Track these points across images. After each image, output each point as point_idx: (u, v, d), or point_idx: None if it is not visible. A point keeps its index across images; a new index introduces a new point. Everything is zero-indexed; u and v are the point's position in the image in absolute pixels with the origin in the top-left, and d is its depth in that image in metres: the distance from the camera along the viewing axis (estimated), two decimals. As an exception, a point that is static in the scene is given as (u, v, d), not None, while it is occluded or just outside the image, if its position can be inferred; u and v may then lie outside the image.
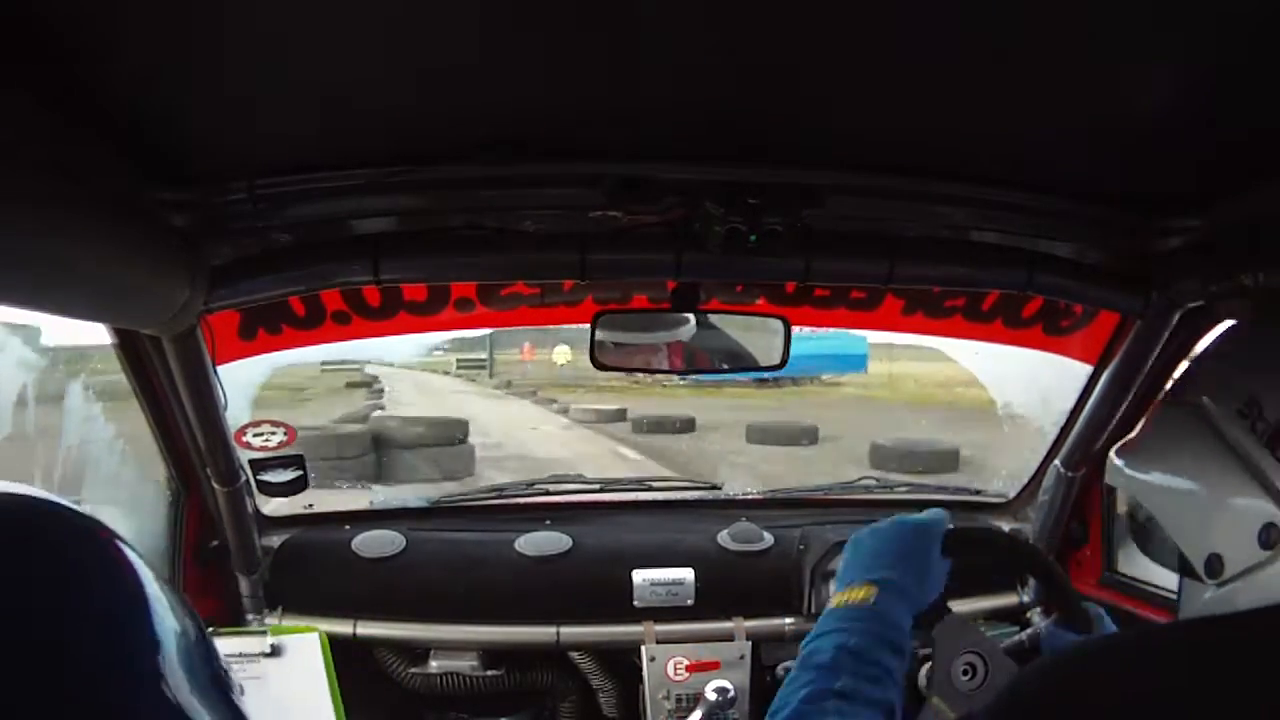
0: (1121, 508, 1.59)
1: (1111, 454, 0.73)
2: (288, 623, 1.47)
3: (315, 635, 1.24)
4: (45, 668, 0.31)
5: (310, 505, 1.69)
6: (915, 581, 0.84)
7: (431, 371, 18.71)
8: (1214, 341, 0.71)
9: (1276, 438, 0.56)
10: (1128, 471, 0.68)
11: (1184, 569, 0.62)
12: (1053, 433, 1.63)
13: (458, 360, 18.96)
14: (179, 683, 0.35)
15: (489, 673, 1.55)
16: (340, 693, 1.24)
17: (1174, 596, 1.41)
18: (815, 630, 0.80)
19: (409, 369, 17.69)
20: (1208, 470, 0.60)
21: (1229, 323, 1.28)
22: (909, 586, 0.83)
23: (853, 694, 0.72)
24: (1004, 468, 2.12)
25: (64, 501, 0.38)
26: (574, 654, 1.59)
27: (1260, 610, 0.57)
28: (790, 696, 0.73)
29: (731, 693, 1.37)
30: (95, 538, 0.37)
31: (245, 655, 1.29)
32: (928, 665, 1.18)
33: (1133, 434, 0.72)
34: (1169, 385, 0.70)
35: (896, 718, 0.74)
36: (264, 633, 1.30)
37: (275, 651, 1.28)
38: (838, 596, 0.83)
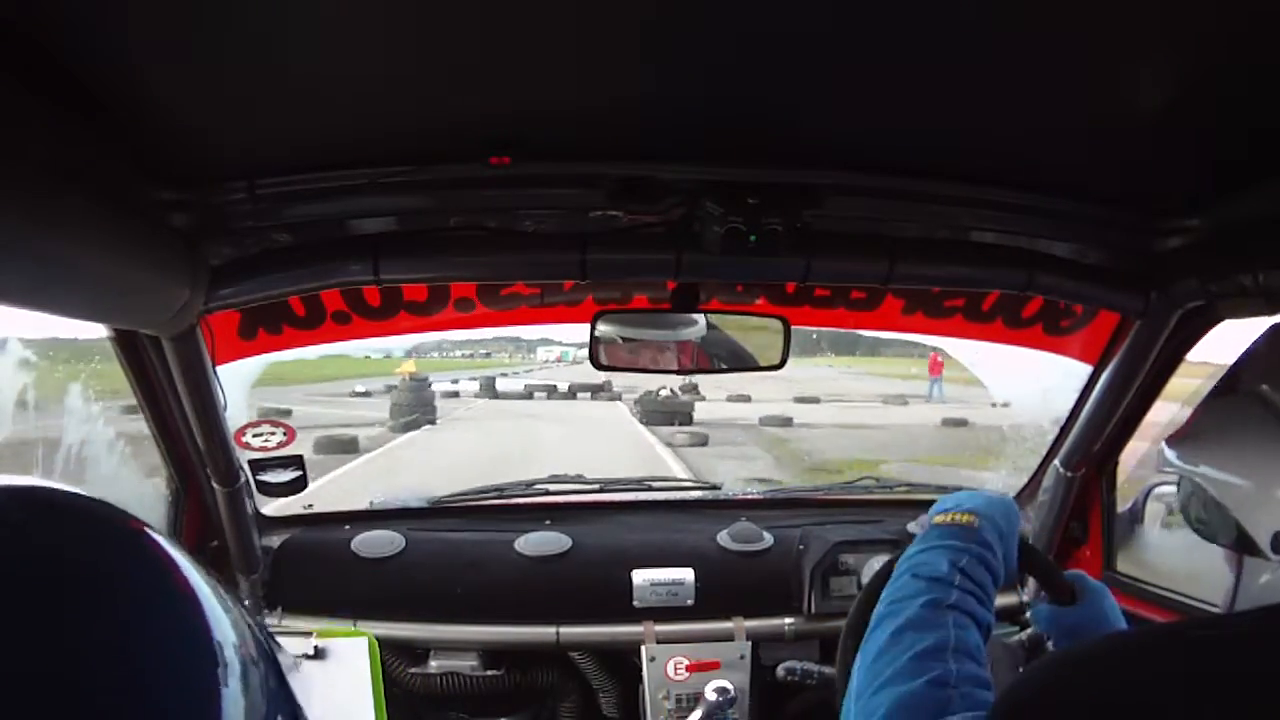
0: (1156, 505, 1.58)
1: (1163, 446, 0.75)
2: (287, 623, 1.47)
3: (364, 640, 1.13)
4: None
5: (310, 505, 1.69)
6: (1005, 534, 0.84)
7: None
8: (1263, 334, 0.72)
9: None
10: (1186, 460, 0.71)
11: (1246, 547, 0.63)
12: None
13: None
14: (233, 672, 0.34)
15: (489, 673, 1.55)
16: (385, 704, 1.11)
17: (1172, 596, 1.42)
18: (918, 544, 0.81)
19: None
20: (1271, 452, 0.62)
21: (1228, 323, 1.28)
22: (1003, 530, 0.83)
23: (964, 609, 0.73)
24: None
25: (86, 494, 0.37)
26: (574, 654, 1.59)
27: (1256, 610, 0.58)
28: (905, 604, 0.74)
29: (731, 693, 1.36)
30: (124, 529, 0.36)
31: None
32: None
33: (1184, 425, 0.74)
34: (1219, 379, 0.71)
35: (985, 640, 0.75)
36: (309, 634, 1.18)
37: (319, 654, 1.17)
38: (940, 516, 0.84)
